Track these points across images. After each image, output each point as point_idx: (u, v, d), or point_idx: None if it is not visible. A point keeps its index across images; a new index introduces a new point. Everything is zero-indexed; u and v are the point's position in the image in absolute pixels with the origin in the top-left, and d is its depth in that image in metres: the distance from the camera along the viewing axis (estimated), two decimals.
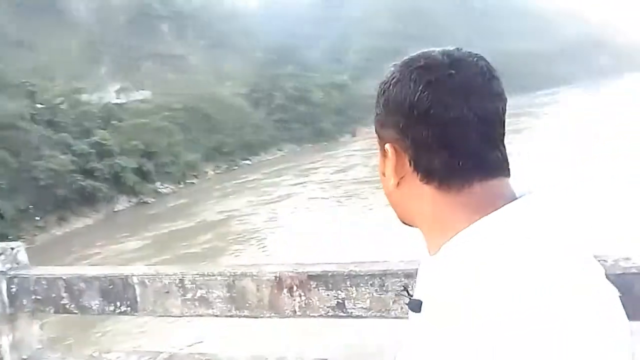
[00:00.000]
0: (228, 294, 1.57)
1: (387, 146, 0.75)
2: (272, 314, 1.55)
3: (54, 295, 1.76)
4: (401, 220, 0.80)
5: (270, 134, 37.08)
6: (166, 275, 1.62)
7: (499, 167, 0.71)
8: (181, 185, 27.10)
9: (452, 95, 0.69)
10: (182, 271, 1.62)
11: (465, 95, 0.69)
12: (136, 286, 1.66)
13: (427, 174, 0.71)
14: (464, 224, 0.68)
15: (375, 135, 0.80)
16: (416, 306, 0.73)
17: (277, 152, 36.86)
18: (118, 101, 34.05)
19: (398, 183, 0.75)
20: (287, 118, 37.98)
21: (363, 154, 31.36)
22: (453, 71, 0.70)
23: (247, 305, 1.56)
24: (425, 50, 0.75)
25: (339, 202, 19.62)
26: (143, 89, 38.43)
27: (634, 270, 1.26)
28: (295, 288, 1.51)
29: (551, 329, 0.55)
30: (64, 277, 1.74)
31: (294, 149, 37.23)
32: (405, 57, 0.76)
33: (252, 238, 15.86)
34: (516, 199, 0.69)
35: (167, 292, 1.63)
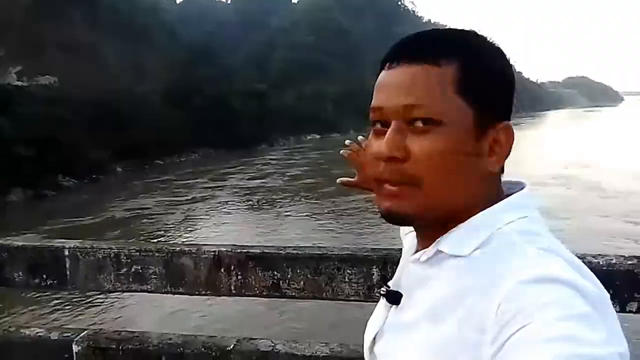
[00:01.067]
0: (165, 271, 1.59)
1: (505, 124, 0.67)
2: (208, 292, 1.59)
3: None
4: (439, 209, 0.66)
5: (185, 136, 36.12)
6: (101, 249, 1.61)
7: None
8: (86, 181, 25.61)
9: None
10: (119, 246, 1.61)
11: None
12: (67, 259, 1.63)
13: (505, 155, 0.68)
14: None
15: (464, 104, 0.65)
16: (395, 298, 0.71)
17: (191, 154, 35.98)
18: (19, 83, 31.63)
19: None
20: (203, 121, 37.25)
21: (279, 164, 31.51)
22: None
23: (184, 282, 1.59)
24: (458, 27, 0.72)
25: (254, 207, 19.56)
26: (48, 74, 36.00)
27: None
28: (233, 267, 1.57)
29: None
30: None
31: (209, 153, 36.55)
32: (451, 30, 0.70)
33: (162, 237, 15.41)
34: (510, 190, 0.71)
35: (101, 267, 1.62)
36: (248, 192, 22.43)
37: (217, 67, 41.64)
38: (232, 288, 1.58)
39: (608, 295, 0.60)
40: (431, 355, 0.61)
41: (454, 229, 0.65)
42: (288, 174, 27.55)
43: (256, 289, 1.57)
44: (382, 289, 0.74)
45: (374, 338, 0.74)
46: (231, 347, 1.62)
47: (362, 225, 15.26)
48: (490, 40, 0.68)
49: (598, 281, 0.61)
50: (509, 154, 0.66)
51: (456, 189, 0.65)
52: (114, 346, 1.63)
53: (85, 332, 1.70)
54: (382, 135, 0.66)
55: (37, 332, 1.69)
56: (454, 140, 0.63)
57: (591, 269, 1.40)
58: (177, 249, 1.59)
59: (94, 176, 26.31)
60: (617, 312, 1.42)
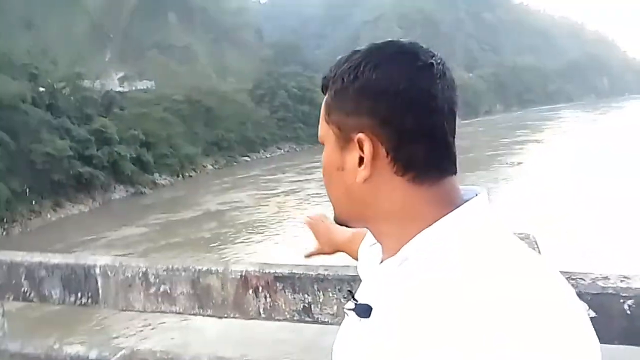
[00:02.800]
0: (192, 291, 1.51)
1: (361, 135, 0.67)
2: (237, 315, 1.49)
3: (14, 281, 1.70)
4: (344, 220, 0.75)
5: (271, 131, 37.02)
6: (129, 267, 1.56)
7: (456, 162, 0.70)
8: (179, 178, 27.07)
9: (435, 83, 0.66)
10: (147, 264, 1.55)
11: (442, 85, 0.67)
12: (98, 277, 1.60)
13: (406, 165, 0.66)
14: (429, 220, 0.65)
15: (328, 125, 0.71)
16: (364, 311, 0.69)
17: (277, 150, 36.82)
18: (120, 89, 33.96)
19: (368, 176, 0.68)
20: (289, 117, 37.93)
21: None
22: (434, 59, 0.67)
23: (212, 303, 1.50)
24: (389, 39, 0.70)
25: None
26: (146, 79, 38.32)
27: (610, 291, 1.20)
28: (260, 289, 1.45)
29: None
30: (25, 264, 1.68)
31: (294, 149, 37.20)
32: (370, 44, 0.70)
33: (261, 227, 15.94)
34: (465, 196, 0.69)
35: (130, 286, 1.57)
36: None
37: (302, 63, 42.19)
38: (261, 311, 1.46)
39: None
40: None
41: (416, 236, 0.65)
42: None
43: (286, 312, 1.44)
44: (349, 303, 0.73)
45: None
46: None
47: None
48: (372, 56, 0.67)
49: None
50: (381, 162, 0.67)
51: (337, 198, 0.73)
52: None
53: (122, 351, 1.66)
54: None
55: (77, 350, 1.67)
56: (328, 157, 0.71)
57: None
58: (204, 268, 1.50)
59: (186, 174, 27.69)
60: None
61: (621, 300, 1.19)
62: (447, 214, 0.65)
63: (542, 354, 0.52)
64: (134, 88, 35.73)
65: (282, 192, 21.50)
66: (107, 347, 1.71)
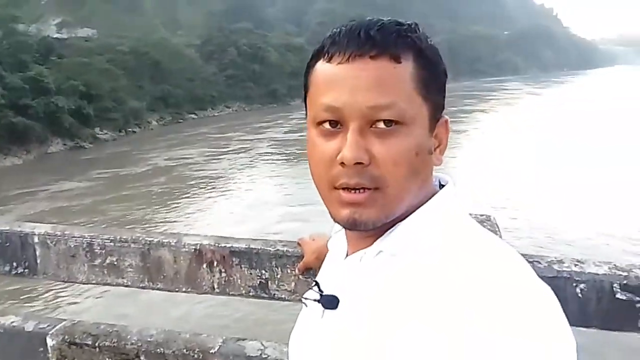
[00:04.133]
0: (142, 264, 1.42)
1: (446, 117, 0.66)
2: (189, 289, 1.42)
3: None
4: (396, 215, 0.63)
5: (220, 89, 36.03)
6: (72, 237, 1.45)
7: None
8: (121, 133, 26.03)
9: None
10: (91, 234, 1.45)
11: None
12: (37, 246, 1.48)
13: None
14: (410, 209, 0.64)
15: (423, 99, 0.61)
16: (330, 303, 0.66)
17: (226, 109, 35.96)
18: (58, 36, 31.89)
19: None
20: (239, 75, 36.94)
21: None
22: None
23: (163, 277, 1.42)
24: (391, 18, 0.64)
25: (291, 160, 19.78)
26: (88, 26, 36.15)
27: (565, 275, 1.22)
28: (215, 263, 1.39)
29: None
30: None
31: (243, 108, 36.49)
32: (397, 22, 0.63)
33: (212, 182, 15.74)
34: (435, 185, 0.69)
35: (73, 256, 1.46)
36: (287, 144, 22.55)
37: (254, 20, 40.93)
38: (215, 286, 1.40)
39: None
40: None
41: (393, 228, 0.63)
42: None
43: (242, 288, 1.38)
44: (312, 294, 0.69)
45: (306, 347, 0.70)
46: (216, 349, 1.45)
47: None
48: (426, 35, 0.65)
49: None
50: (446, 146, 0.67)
51: (415, 189, 0.63)
52: (90, 342, 1.50)
53: (63, 323, 1.56)
54: (331, 137, 0.61)
55: (12, 322, 1.56)
56: (417, 141, 0.61)
57: (636, 285, 1.18)
58: (155, 240, 1.41)
59: (130, 129, 26.64)
60: None
61: (574, 284, 1.21)
62: (419, 206, 0.64)
63: (512, 333, 0.51)
64: (73, 35, 33.63)
65: (233, 150, 21.23)
66: (45, 318, 1.61)
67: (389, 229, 0.63)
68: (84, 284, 1.49)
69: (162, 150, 21.32)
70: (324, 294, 0.68)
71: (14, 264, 1.52)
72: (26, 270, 1.51)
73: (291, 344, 0.75)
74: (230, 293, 1.40)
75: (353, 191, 0.60)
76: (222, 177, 16.55)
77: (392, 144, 0.59)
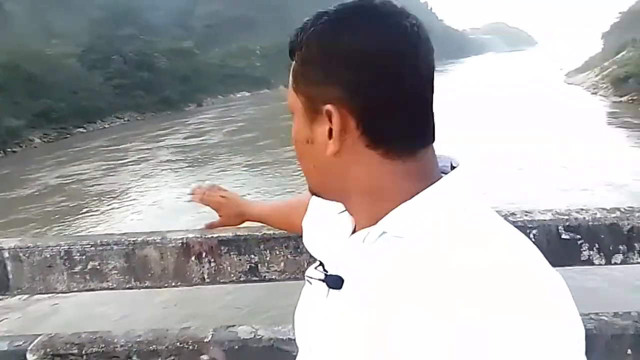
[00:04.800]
0: (126, 264, 1.42)
1: (329, 107, 0.62)
2: (178, 283, 1.44)
3: None
4: (318, 192, 0.73)
5: (108, 100, 34.10)
6: (47, 247, 1.41)
7: (433, 132, 0.66)
8: (0, 154, 23.82)
9: (414, 47, 0.61)
10: (68, 242, 1.41)
11: (421, 49, 0.62)
12: (7, 262, 1.41)
13: (378, 139, 0.63)
14: (406, 194, 0.63)
15: (296, 95, 0.67)
16: (335, 283, 0.68)
17: (116, 120, 34.14)
18: None
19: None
20: (127, 84, 35.17)
21: (215, 121, 30.84)
22: (413, 21, 0.62)
23: (150, 275, 1.43)
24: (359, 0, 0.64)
25: (195, 164, 19.33)
26: None
27: (519, 224, 1.41)
28: (204, 254, 1.42)
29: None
30: None
31: (135, 118, 34.89)
32: (339, 5, 0.64)
33: (113, 196, 14.88)
34: (446, 167, 0.68)
35: (50, 267, 1.42)
36: (188, 150, 22.01)
37: (138, 26, 39.13)
38: (205, 276, 1.43)
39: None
40: (389, 341, 0.58)
41: (396, 209, 0.63)
42: (225, 130, 27.15)
43: (232, 274, 1.43)
44: (316, 272, 0.72)
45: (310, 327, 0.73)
46: (209, 338, 1.49)
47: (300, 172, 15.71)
48: (343, 20, 0.62)
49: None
50: (351, 134, 0.63)
51: (308, 171, 0.71)
52: (75, 351, 1.46)
53: (39, 338, 1.51)
54: None
55: None
56: (298, 128, 0.68)
57: (577, 225, 1.41)
58: (139, 239, 1.42)
59: (8, 150, 24.43)
60: (603, 264, 1.43)
61: (528, 231, 1.41)
62: (423, 188, 0.63)
63: (512, 317, 0.51)
64: None
65: (132, 161, 20.28)
66: (17, 336, 1.55)
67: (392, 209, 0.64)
68: (64, 293, 1.45)
69: (51, 168, 19.84)
70: (328, 273, 0.70)
71: None
72: None
73: (296, 321, 0.77)
74: (221, 281, 1.45)
75: None
76: (123, 189, 15.81)
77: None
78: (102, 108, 33.18)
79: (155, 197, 14.52)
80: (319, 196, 0.74)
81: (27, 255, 1.43)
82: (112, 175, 17.82)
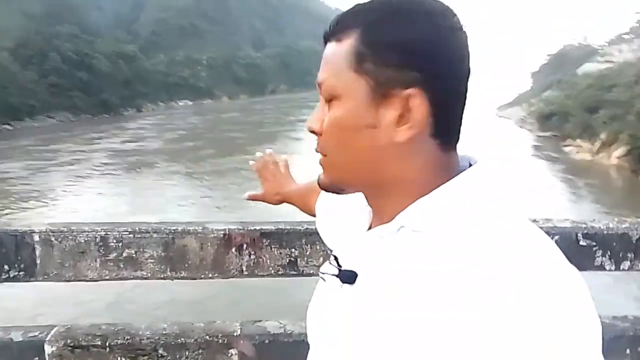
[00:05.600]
0: (164, 254, 1.38)
1: (411, 91, 0.61)
2: (215, 274, 1.42)
3: None
4: (341, 185, 0.69)
5: (41, 98, 32.42)
6: (82, 232, 1.35)
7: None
8: None
9: (467, 46, 0.65)
10: (105, 227, 1.36)
11: (468, 49, 0.65)
12: (37, 245, 1.34)
13: (443, 128, 0.64)
14: (428, 188, 0.64)
15: (357, 77, 0.63)
16: (349, 278, 0.67)
17: (48, 119, 32.46)
18: None
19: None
20: (63, 84, 33.60)
21: (156, 128, 29.98)
22: (460, 22, 0.65)
23: (187, 265, 1.40)
24: None
25: (132, 169, 18.70)
26: None
27: (545, 230, 1.51)
28: (245, 246, 1.42)
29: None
30: None
31: (69, 119, 33.36)
32: (370, 5, 0.64)
33: (44, 196, 14.04)
34: (464, 166, 0.68)
35: (83, 252, 1.36)
36: (125, 154, 21.26)
37: (81, 25, 37.54)
38: (244, 269, 1.43)
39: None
40: (403, 336, 0.58)
41: (414, 203, 0.63)
42: (166, 137, 26.47)
43: (270, 268, 1.44)
44: (330, 268, 0.70)
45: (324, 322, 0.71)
46: (238, 332, 1.48)
47: (241, 180, 15.58)
48: (407, 7, 0.63)
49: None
50: (425, 122, 0.62)
51: (353, 160, 0.65)
52: (99, 342, 1.40)
53: (56, 328, 1.44)
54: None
55: None
56: (350, 114, 0.64)
57: (594, 233, 1.53)
58: (179, 228, 1.39)
59: None
60: (612, 270, 1.56)
61: (550, 237, 1.52)
62: (447, 181, 0.63)
63: (531, 311, 0.51)
64: None
65: (64, 162, 19.33)
66: (32, 327, 1.47)
67: (410, 204, 0.64)
68: (93, 281, 1.40)
69: None
70: (342, 268, 0.69)
71: (5, 267, 1.36)
72: (21, 273, 1.37)
73: (309, 316, 0.77)
74: (259, 274, 1.45)
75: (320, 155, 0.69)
76: (54, 189, 15.05)
77: (329, 116, 0.65)
78: (34, 106, 31.49)
79: (89, 199, 13.95)
80: (336, 190, 0.70)
81: (59, 239, 1.37)
82: (41, 176, 16.94)
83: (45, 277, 1.38)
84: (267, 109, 47.68)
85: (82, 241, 1.37)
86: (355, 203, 0.75)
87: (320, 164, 0.70)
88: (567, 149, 26.19)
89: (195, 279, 1.43)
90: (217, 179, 16.88)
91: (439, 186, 0.63)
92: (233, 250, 1.43)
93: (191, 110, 41.21)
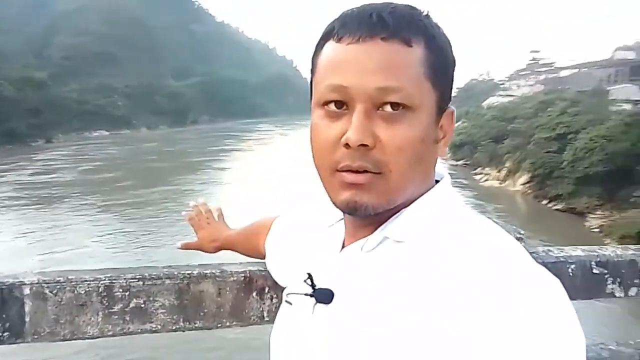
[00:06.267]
0: (177, 302, 1.21)
1: (453, 107, 0.64)
2: (234, 323, 1.27)
3: None
4: (394, 204, 0.62)
5: None
6: (83, 281, 1.15)
7: None
8: None
9: None
10: (109, 275, 1.18)
11: None
12: (27, 300, 1.12)
13: (445, 140, 0.66)
14: (416, 196, 0.64)
15: (432, 89, 0.60)
16: (325, 296, 0.64)
17: None
18: None
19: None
20: None
21: (69, 159, 28.37)
22: None
23: (202, 314, 1.24)
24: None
25: (42, 202, 17.52)
26: None
27: (561, 259, 1.52)
28: (267, 289, 1.29)
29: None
30: None
31: None
32: (410, 6, 0.62)
33: None
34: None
35: (83, 305, 1.16)
36: (35, 187, 19.89)
37: None
38: (265, 314, 1.29)
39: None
40: (390, 348, 0.56)
41: (397, 214, 0.62)
42: (81, 168, 25.04)
43: None
44: (300, 288, 0.67)
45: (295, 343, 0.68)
46: None
47: (165, 213, 15.17)
48: (437, 23, 0.64)
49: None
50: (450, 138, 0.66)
51: (418, 177, 0.62)
52: None
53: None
54: (336, 118, 0.60)
55: None
56: (423, 128, 0.60)
57: (606, 260, 1.55)
58: (195, 272, 1.23)
59: None
60: (622, 296, 1.59)
61: (567, 266, 1.53)
62: (424, 192, 0.64)
63: (521, 318, 0.51)
64: None
65: None
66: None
67: (391, 216, 0.62)
68: (93, 338, 1.20)
69: None
70: (317, 287, 0.65)
71: None
72: (5, 334, 1.15)
73: (274, 343, 0.73)
74: None
75: (355, 173, 0.59)
76: None
77: (398, 129, 0.58)
78: None
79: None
80: (379, 210, 0.61)
81: (54, 291, 1.17)
82: None
83: (36, 337, 1.17)
84: (190, 139, 46.87)
85: (83, 292, 1.18)
86: (316, 224, 0.75)
87: (358, 183, 0.59)
88: (477, 176, 27.97)
89: (210, 328, 1.28)
90: (137, 211, 16.24)
91: (419, 197, 0.63)
92: (254, 294, 1.29)
93: (108, 140, 39.50)
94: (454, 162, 33.57)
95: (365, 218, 0.62)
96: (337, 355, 0.60)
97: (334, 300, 0.63)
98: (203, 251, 1.27)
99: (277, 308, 1.31)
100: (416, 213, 0.62)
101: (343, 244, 0.68)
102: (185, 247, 1.28)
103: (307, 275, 0.66)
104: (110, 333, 1.21)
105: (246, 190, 19.31)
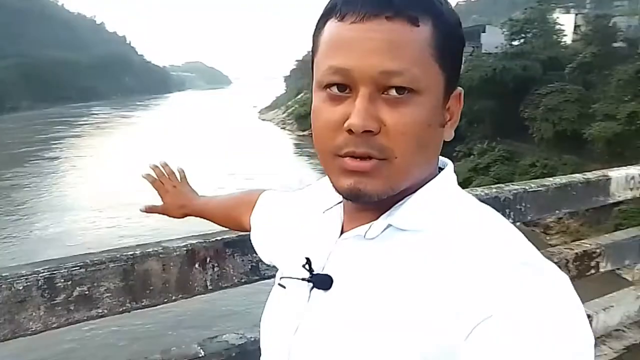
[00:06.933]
0: (123, 283, 1.19)
1: (460, 89, 0.62)
2: (180, 296, 1.29)
3: None
4: (401, 189, 0.60)
5: None
6: (20, 277, 1.07)
7: None
8: None
9: None
10: (49, 267, 1.11)
11: None
12: None
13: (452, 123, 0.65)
14: (420, 183, 0.62)
15: (440, 71, 0.58)
16: (324, 282, 0.63)
17: None
18: None
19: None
20: None
21: None
22: None
23: (148, 292, 1.24)
24: None
25: None
26: None
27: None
28: (209, 260, 1.33)
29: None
30: None
31: None
32: None
33: None
34: None
35: (22, 302, 1.08)
36: None
37: None
38: (208, 284, 1.34)
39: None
40: (386, 339, 0.55)
41: (402, 201, 0.61)
42: None
43: (234, 277, 1.37)
44: (296, 272, 0.66)
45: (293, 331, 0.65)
46: (201, 353, 1.38)
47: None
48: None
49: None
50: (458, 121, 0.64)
51: (423, 162, 0.60)
52: None
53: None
54: (337, 101, 0.57)
55: None
56: (430, 112, 0.57)
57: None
58: (138, 252, 1.22)
59: None
60: None
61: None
62: (430, 179, 0.62)
63: (541, 313, 0.50)
64: None
65: None
66: None
67: (395, 203, 0.61)
68: (36, 333, 1.15)
69: None
70: (315, 273, 0.64)
71: None
72: None
73: (265, 326, 0.72)
74: (224, 286, 1.38)
75: (359, 159, 0.57)
76: None
77: (403, 113, 0.55)
78: None
79: None
80: (383, 197, 0.59)
81: None
82: None
83: None
84: (10, 128, 41.61)
85: (21, 288, 1.12)
86: (310, 207, 0.73)
87: (363, 169, 0.57)
88: None
89: (157, 304, 1.30)
90: None
91: (423, 182, 0.61)
92: (197, 265, 1.33)
93: None
94: (301, 133, 34.75)
95: (367, 203, 0.60)
96: (335, 342, 0.59)
97: (334, 286, 0.62)
98: (168, 216, 1.21)
99: (219, 276, 1.38)
100: (424, 201, 0.60)
101: (342, 229, 0.66)
102: (149, 210, 1.20)
103: (306, 260, 0.65)
104: (54, 325, 1.17)
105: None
